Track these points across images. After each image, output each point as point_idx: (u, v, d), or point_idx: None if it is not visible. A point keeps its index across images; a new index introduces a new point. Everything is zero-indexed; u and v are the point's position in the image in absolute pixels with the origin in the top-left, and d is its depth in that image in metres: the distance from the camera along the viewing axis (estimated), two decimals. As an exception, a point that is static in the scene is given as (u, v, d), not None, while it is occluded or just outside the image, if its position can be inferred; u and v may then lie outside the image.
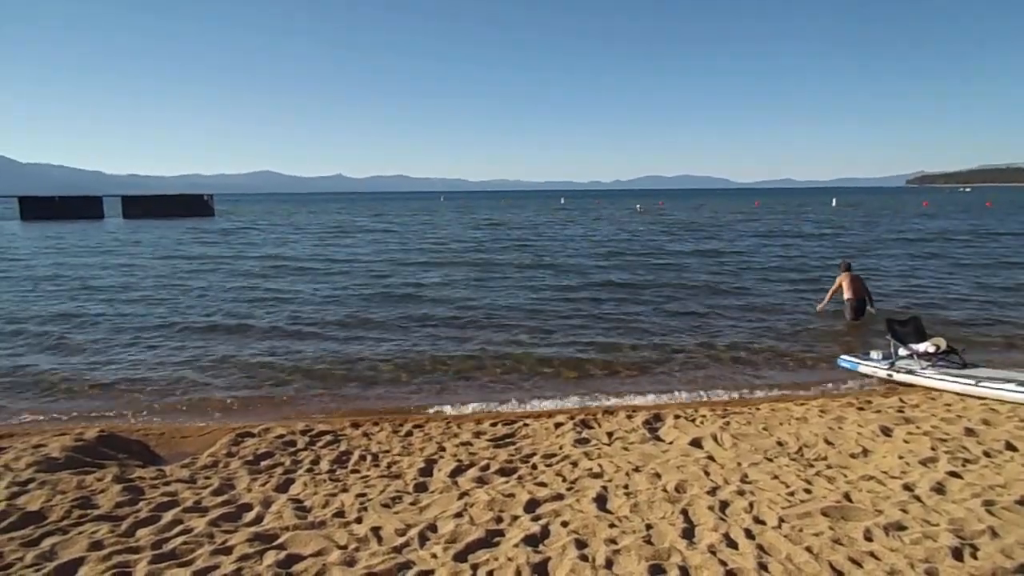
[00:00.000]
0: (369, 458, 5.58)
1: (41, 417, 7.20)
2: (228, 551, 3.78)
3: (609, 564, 3.59)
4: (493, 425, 6.55)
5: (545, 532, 4.00)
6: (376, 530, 4.05)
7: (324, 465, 5.40)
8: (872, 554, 3.63)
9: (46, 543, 3.85)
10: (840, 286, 11.16)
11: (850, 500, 4.37)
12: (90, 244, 28.97)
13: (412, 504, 4.54)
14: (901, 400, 7.11)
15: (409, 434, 6.29)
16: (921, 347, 7.93)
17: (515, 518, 4.24)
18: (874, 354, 8.36)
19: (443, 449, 5.78)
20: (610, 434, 6.12)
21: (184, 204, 57.91)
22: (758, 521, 4.10)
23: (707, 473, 4.98)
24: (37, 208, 52.01)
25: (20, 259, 22.77)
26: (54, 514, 4.26)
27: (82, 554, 3.71)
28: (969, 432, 5.76)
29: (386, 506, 4.49)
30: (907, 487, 4.57)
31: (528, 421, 6.65)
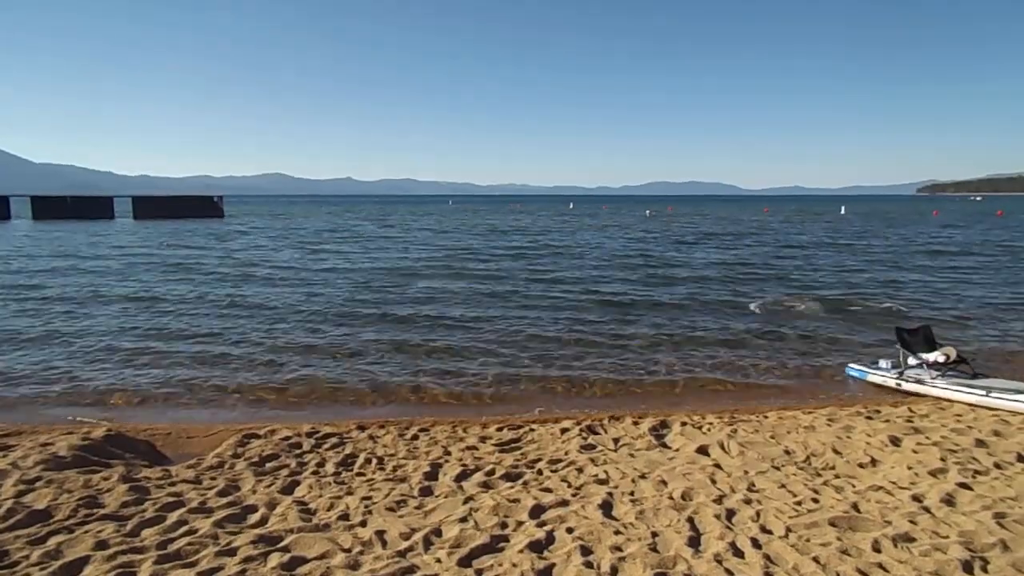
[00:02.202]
0: (374, 461, 5.58)
1: (48, 415, 7.24)
2: (232, 552, 3.78)
3: (614, 571, 3.57)
4: (499, 430, 6.54)
5: (550, 538, 3.99)
6: (381, 534, 4.04)
7: (329, 468, 5.40)
8: (880, 565, 3.59)
9: (52, 542, 3.86)
10: None
11: (858, 510, 4.34)
12: (101, 244, 29.20)
13: (417, 508, 4.53)
14: (910, 410, 7.05)
15: (415, 438, 6.28)
16: (931, 357, 7.86)
17: (520, 524, 4.22)
18: (883, 363, 8.30)
19: (448, 453, 5.77)
20: (616, 440, 6.09)
21: (194, 205, 58.34)
22: (765, 530, 4.06)
23: (714, 481, 4.94)
24: (49, 208, 52.49)
25: (30, 258, 22.97)
26: (60, 513, 4.28)
27: (88, 553, 3.72)
28: (980, 443, 5.70)
29: (391, 510, 4.48)
30: (916, 498, 4.53)
31: (534, 426, 6.64)
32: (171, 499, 4.59)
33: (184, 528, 4.12)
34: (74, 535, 3.95)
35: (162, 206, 57.47)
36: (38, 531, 4.00)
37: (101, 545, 3.83)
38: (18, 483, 4.72)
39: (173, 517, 4.27)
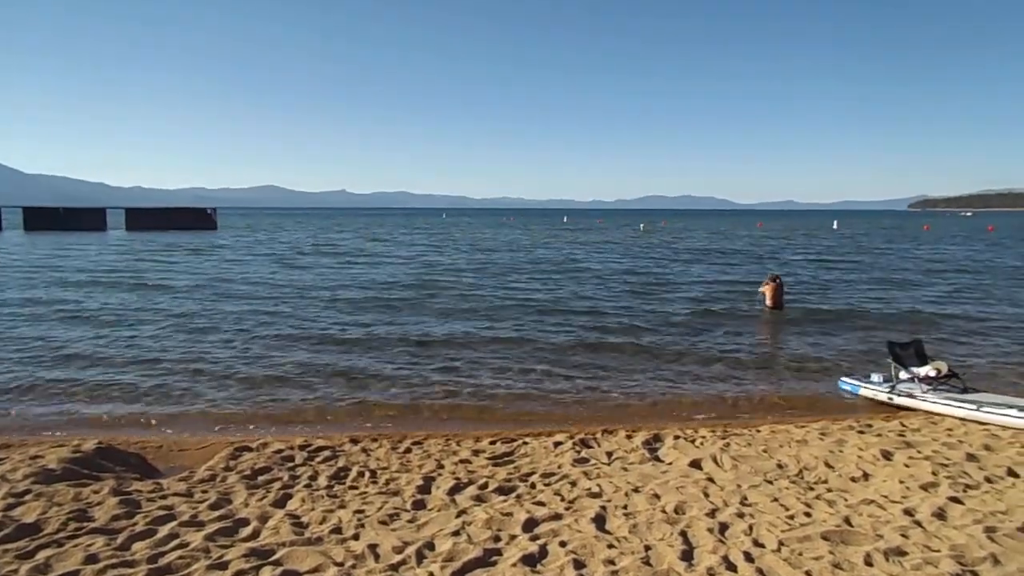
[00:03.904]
0: (367, 474, 5.56)
1: (38, 428, 7.18)
2: (224, 566, 3.75)
3: (607, 585, 3.56)
4: (492, 443, 6.53)
5: (543, 552, 3.98)
6: (373, 547, 4.02)
7: (322, 481, 5.38)
8: (872, 579, 3.60)
9: (41, 556, 3.82)
10: (764, 293, 15.24)
11: (850, 524, 4.35)
12: (96, 255, 29.07)
13: (410, 521, 4.52)
14: (902, 424, 7.09)
15: (408, 451, 6.26)
16: (922, 371, 7.92)
17: (513, 537, 4.21)
18: (875, 377, 8.34)
19: (441, 466, 5.76)
20: (609, 454, 6.10)
21: (187, 217, 58.24)
22: (757, 544, 4.07)
23: (707, 495, 4.95)
24: (41, 219, 52.25)
25: (25, 267, 22.83)
26: (50, 526, 4.24)
27: (77, 567, 3.68)
28: (970, 457, 5.74)
29: (384, 523, 4.46)
30: (908, 512, 4.54)
31: (527, 439, 6.63)
32: (162, 512, 4.55)
33: (175, 542, 4.08)
34: (63, 549, 3.91)
35: (155, 217, 57.34)
36: (27, 545, 3.96)
37: (91, 559, 3.79)
38: (7, 496, 4.67)
39: (164, 531, 4.24)
